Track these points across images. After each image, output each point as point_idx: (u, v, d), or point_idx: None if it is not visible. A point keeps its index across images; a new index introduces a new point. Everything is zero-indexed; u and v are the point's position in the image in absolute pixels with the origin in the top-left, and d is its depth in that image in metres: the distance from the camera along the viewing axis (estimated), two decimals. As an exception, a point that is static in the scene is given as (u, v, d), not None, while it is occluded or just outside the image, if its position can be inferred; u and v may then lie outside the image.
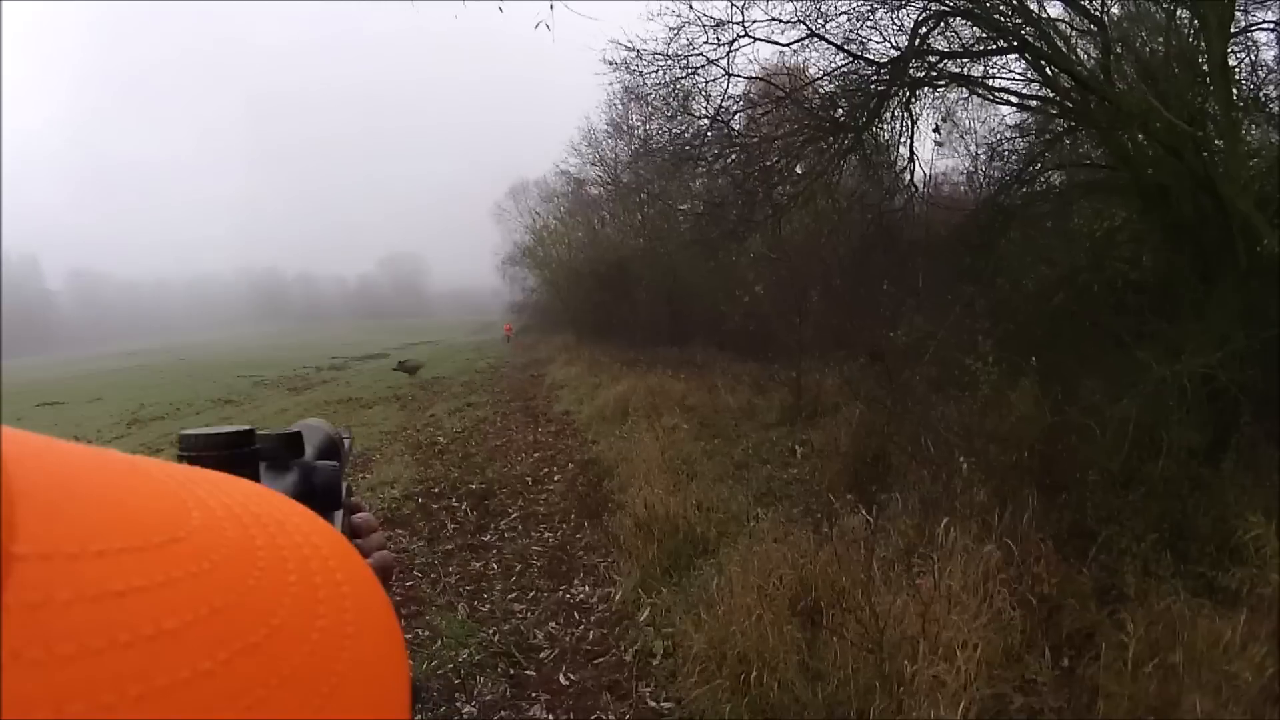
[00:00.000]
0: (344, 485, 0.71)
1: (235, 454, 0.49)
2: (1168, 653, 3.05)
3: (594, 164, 24.07)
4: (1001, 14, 6.14)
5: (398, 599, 4.55)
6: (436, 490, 7.24)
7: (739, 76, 7.50)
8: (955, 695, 2.86)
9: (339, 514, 0.58)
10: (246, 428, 0.51)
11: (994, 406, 5.86)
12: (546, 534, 5.90)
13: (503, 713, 3.46)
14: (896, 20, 6.66)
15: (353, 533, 0.62)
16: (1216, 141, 5.44)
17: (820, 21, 6.86)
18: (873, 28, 6.79)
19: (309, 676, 0.25)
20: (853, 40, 6.85)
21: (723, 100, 7.56)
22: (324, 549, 0.30)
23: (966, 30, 6.77)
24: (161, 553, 0.24)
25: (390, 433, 10.77)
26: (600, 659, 3.88)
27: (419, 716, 3.37)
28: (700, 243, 10.08)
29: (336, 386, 18.89)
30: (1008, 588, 3.51)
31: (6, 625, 0.19)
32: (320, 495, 0.55)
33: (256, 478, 0.50)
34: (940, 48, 6.48)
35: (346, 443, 0.80)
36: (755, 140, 7.60)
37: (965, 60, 6.71)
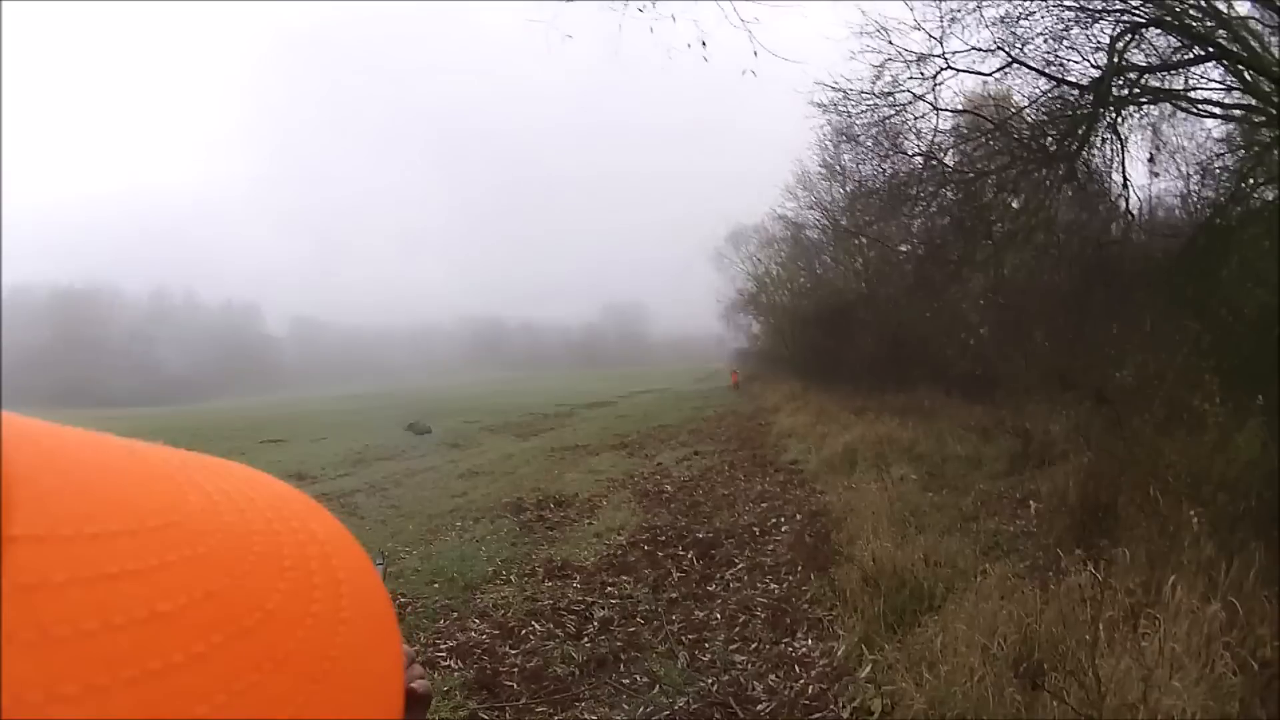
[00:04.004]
0: None
1: None
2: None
3: (810, 207, 24.08)
4: (1192, 19, 5.81)
5: (618, 644, 4.77)
6: (663, 538, 7.39)
7: (946, 110, 7.43)
8: (1171, 768, 2.64)
9: None
10: None
11: (1220, 450, 5.30)
12: (772, 585, 5.88)
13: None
14: (1092, 38, 6.54)
15: None
16: None
17: (1018, 46, 6.84)
18: (1070, 47, 6.70)
19: (302, 661, 0.26)
20: (1052, 63, 6.78)
21: (934, 136, 7.50)
22: (320, 535, 0.30)
23: (1161, 41, 6.50)
24: (156, 536, 0.25)
25: (617, 480, 11.07)
26: (817, 714, 3.85)
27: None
28: (923, 285, 9.84)
29: (561, 433, 19.23)
30: (1230, 651, 3.20)
31: (1, 607, 0.20)
32: None
33: None
34: (1139, 62, 6.19)
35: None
36: (970, 175, 7.41)
37: (1165, 74, 6.40)
